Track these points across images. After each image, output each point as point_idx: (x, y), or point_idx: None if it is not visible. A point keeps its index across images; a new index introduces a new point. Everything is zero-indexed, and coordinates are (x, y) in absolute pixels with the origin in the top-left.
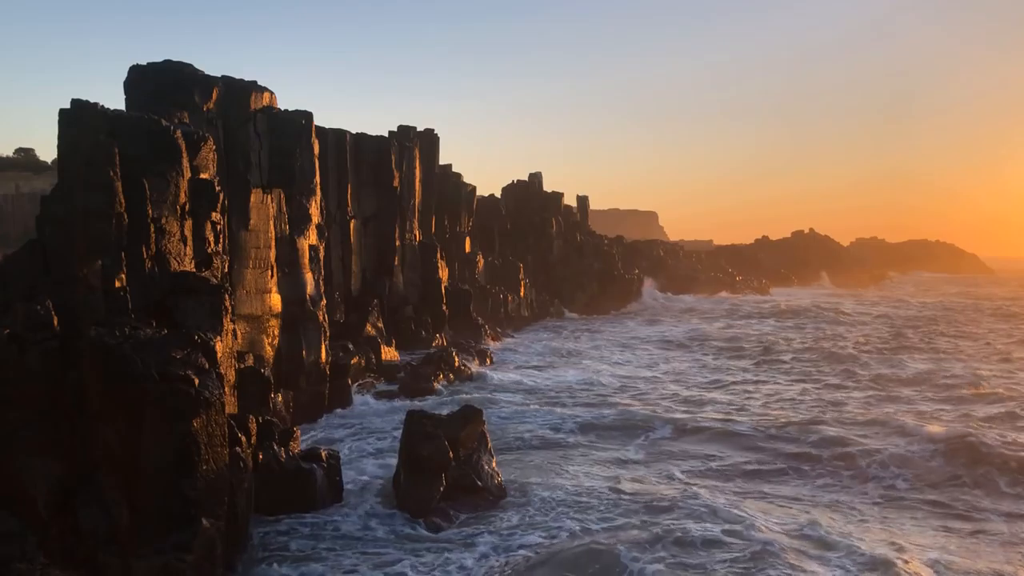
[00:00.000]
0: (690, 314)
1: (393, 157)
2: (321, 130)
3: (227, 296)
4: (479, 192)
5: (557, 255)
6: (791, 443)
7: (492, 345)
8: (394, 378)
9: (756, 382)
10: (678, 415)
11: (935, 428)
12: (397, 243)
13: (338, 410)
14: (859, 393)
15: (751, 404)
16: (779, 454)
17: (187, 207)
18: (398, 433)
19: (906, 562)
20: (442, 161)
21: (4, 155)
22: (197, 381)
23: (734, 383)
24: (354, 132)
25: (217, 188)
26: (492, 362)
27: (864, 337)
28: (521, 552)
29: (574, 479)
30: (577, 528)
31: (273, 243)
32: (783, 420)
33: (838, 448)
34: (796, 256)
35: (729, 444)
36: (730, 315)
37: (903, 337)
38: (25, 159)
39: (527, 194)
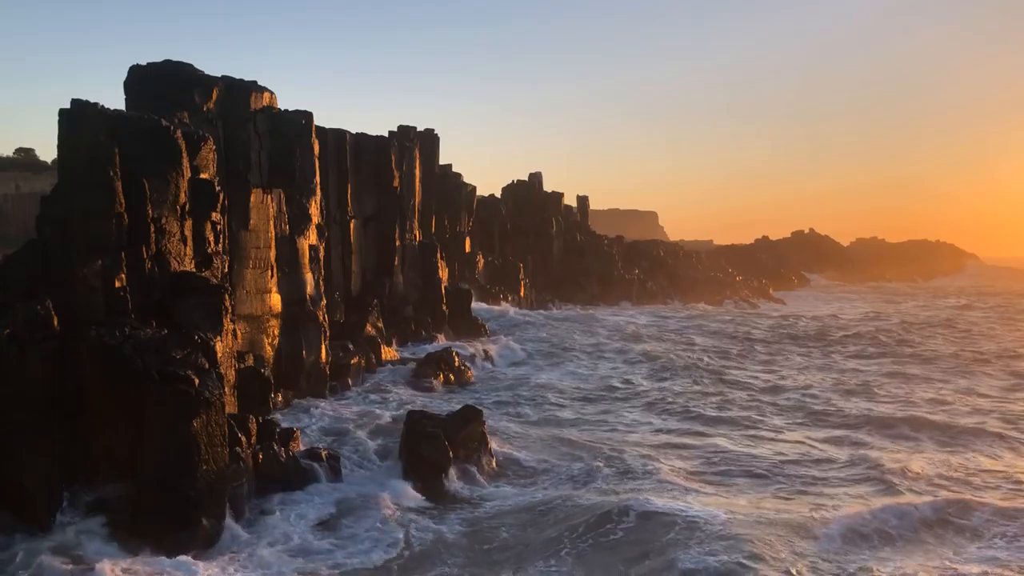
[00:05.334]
0: None
1: (393, 157)
2: (321, 130)
3: (227, 296)
4: (479, 192)
5: (557, 255)
6: None
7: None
8: None
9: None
10: None
11: None
12: (397, 243)
13: None
14: None
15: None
16: None
17: (187, 207)
18: None
19: None
20: (442, 161)
21: (4, 155)
22: (197, 381)
23: None
24: (354, 132)
25: (217, 188)
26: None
27: None
28: None
29: None
30: None
31: (273, 243)
32: None
33: None
34: (796, 256)
35: None
36: None
37: None
38: (25, 159)
39: (527, 194)
